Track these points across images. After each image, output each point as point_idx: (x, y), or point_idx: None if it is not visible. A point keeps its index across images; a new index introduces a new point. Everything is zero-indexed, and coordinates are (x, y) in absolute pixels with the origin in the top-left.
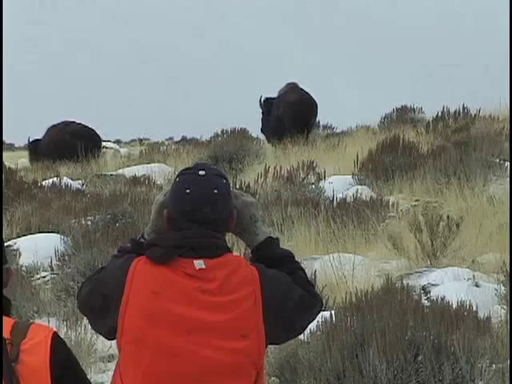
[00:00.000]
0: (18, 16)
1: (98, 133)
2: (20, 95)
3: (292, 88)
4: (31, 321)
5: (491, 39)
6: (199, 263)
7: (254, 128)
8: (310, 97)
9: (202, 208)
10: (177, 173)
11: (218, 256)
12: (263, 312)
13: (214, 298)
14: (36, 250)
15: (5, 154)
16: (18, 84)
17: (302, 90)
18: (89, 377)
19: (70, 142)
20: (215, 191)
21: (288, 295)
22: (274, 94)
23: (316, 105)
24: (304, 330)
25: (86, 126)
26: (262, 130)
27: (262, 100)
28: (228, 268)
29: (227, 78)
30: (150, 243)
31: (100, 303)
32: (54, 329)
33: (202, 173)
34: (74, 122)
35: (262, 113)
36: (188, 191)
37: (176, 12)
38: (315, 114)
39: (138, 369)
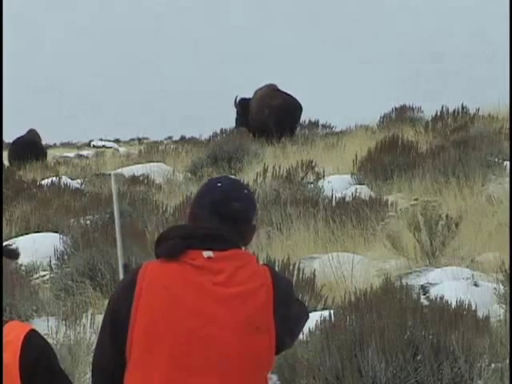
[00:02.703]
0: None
1: (42, 145)
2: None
3: (273, 91)
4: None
5: (491, 39)
6: (207, 253)
7: None
8: (293, 100)
9: (230, 201)
10: (176, 172)
11: (227, 249)
12: (274, 307)
13: (224, 290)
14: (35, 249)
15: (5, 154)
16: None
17: (283, 92)
18: (87, 376)
19: (21, 152)
20: (245, 191)
21: (294, 297)
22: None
23: (300, 107)
24: (297, 336)
25: (33, 138)
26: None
27: (238, 100)
28: (237, 261)
29: (227, 78)
30: (158, 238)
31: (110, 319)
32: (32, 327)
33: (232, 177)
34: (33, 131)
35: (237, 112)
36: (219, 184)
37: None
38: (299, 115)
39: (151, 365)
